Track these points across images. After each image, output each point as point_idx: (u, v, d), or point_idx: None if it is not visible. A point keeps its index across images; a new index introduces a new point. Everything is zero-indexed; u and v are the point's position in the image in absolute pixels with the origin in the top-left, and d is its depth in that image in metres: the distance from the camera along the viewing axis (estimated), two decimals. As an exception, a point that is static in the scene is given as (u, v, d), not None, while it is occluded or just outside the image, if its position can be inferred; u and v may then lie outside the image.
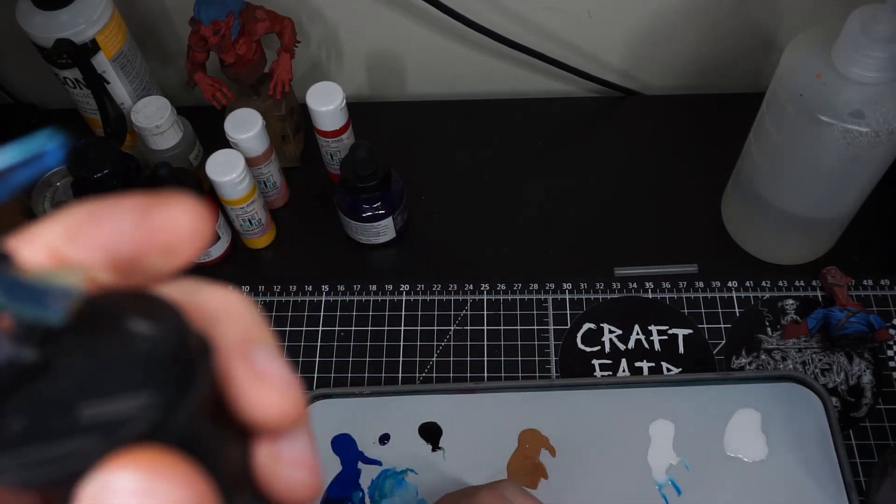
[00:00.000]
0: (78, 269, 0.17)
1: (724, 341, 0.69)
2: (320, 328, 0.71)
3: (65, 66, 0.71)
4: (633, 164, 0.80)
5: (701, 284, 0.72)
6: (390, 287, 0.73)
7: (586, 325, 0.70)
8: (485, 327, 0.71)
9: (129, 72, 0.74)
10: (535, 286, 0.72)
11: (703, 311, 0.70)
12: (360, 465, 0.64)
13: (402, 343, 0.70)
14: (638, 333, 0.70)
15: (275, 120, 0.76)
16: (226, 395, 0.17)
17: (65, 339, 0.16)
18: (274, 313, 0.72)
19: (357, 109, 0.76)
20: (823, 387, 0.64)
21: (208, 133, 0.77)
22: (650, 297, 0.71)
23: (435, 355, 0.70)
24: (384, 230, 0.74)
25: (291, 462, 0.18)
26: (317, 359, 0.70)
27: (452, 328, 0.71)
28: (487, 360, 0.69)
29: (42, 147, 0.16)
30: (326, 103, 0.71)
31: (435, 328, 0.71)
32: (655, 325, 0.70)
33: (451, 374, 0.68)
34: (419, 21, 0.81)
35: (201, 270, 0.75)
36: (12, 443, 0.15)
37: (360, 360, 0.70)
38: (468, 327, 0.71)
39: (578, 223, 0.77)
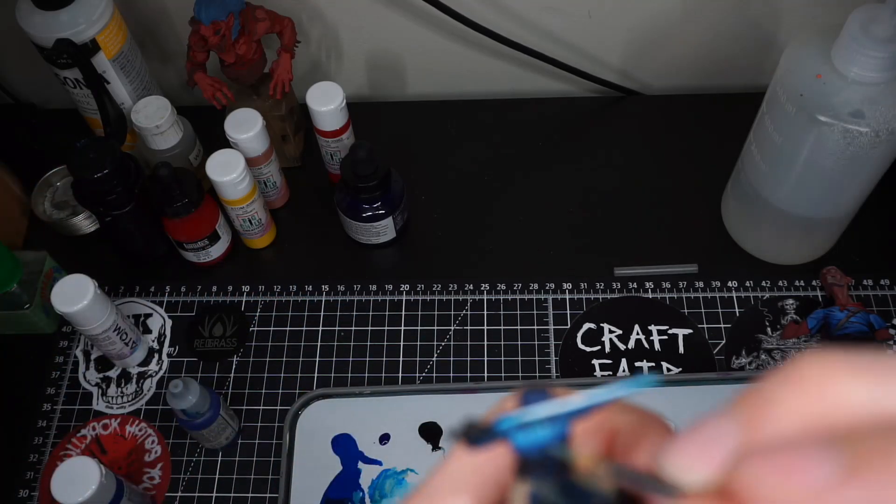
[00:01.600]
0: (607, 473, 0.18)
1: (724, 341, 0.69)
2: (320, 328, 0.71)
3: (65, 66, 0.71)
4: (633, 164, 0.80)
5: (701, 284, 0.72)
6: (390, 287, 0.73)
7: (586, 325, 0.70)
8: (485, 327, 0.71)
9: (129, 72, 0.74)
10: (535, 286, 0.72)
11: (703, 311, 0.70)
12: (361, 465, 0.64)
13: (402, 343, 0.70)
14: (638, 333, 0.70)
15: (275, 120, 0.76)
16: None
17: None
18: (274, 313, 0.72)
19: (357, 109, 0.76)
20: (823, 387, 0.64)
21: (208, 133, 0.77)
22: (650, 297, 0.71)
23: (435, 355, 0.70)
24: (384, 230, 0.74)
25: None
26: (317, 359, 0.70)
27: (452, 328, 0.71)
28: (487, 360, 0.69)
29: (636, 387, 0.17)
30: (326, 103, 0.71)
31: (435, 328, 0.71)
32: (655, 325, 0.70)
33: (451, 374, 0.68)
34: (419, 21, 0.81)
35: (201, 271, 0.75)
36: None
37: (360, 360, 0.70)
38: (468, 327, 0.71)
39: (578, 223, 0.76)
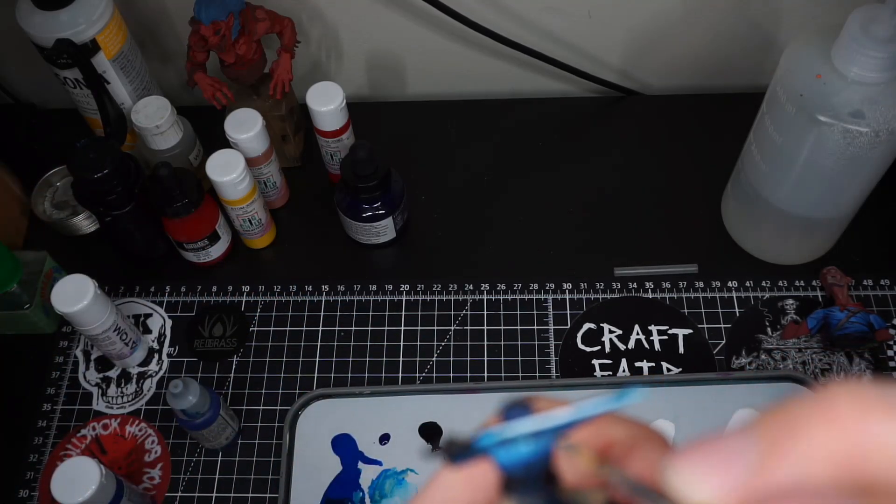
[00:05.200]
0: (602, 491, 0.17)
1: (724, 341, 0.69)
2: (320, 328, 0.71)
3: (65, 66, 0.71)
4: (633, 164, 0.80)
5: (701, 284, 0.72)
6: (390, 287, 0.73)
7: (586, 325, 0.70)
8: (485, 327, 0.71)
9: (129, 72, 0.74)
10: (535, 286, 0.72)
11: (703, 311, 0.70)
12: (361, 465, 0.64)
13: (402, 343, 0.70)
14: (638, 333, 0.70)
15: (275, 120, 0.76)
16: None
17: None
18: (274, 313, 0.72)
19: (357, 109, 0.76)
20: (823, 387, 0.64)
21: (208, 133, 0.77)
22: (650, 297, 0.71)
23: (435, 355, 0.70)
24: (384, 230, 0.74)
25: None
26: (317, 359, 0.70)
27: (452, 328, 0.71)
28: (487, 360, 0.69)
29: (623, 401, 0.16)
30: (326, 103, 0.71)
31: (435, 328, 0.71)
32: (655, 325, 0.70)
33: (451, 374, 0.68)
34: (419, 21, 0.81)
35: (201, 271, 0.75)
36: None
37: (360, 360, 0.70)
38: (468, 327, 0.71)
39: (578, 223, 0.76)
